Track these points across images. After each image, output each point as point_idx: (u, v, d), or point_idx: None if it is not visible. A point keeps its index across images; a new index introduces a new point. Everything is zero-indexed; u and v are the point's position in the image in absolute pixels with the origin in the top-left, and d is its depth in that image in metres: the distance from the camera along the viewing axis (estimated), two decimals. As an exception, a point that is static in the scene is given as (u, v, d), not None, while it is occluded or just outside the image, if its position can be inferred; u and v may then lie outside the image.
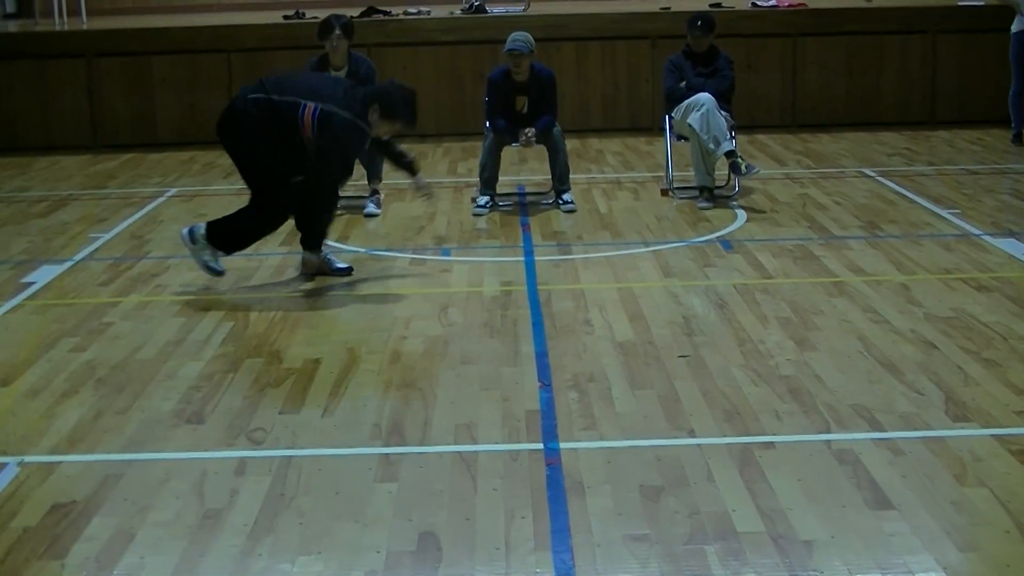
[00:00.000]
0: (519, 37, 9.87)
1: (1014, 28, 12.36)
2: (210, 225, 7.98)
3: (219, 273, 7.96)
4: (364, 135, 7.61)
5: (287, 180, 7.76)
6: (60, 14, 15.97)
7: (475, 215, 9.82)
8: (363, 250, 8.84)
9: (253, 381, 6.17)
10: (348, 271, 8.13)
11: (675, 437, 5.34)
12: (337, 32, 9.87)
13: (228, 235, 7.98)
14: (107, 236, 9.47)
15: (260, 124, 7.64)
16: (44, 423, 5.68)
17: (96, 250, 9.06)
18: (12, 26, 16.00)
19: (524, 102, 9.98)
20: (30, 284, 8.14)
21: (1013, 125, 12.56)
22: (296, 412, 5.74)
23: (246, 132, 7.71)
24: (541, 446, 5.27)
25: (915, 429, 5.36)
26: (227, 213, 8.16)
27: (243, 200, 10.60)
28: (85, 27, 15.19)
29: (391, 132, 7.73)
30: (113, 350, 6.71)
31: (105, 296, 7.82)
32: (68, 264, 8.65)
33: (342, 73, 10.00)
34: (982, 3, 13.73)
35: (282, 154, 7.64)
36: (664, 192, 10.43)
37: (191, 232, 7.94)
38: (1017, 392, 5.76)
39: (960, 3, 14.46)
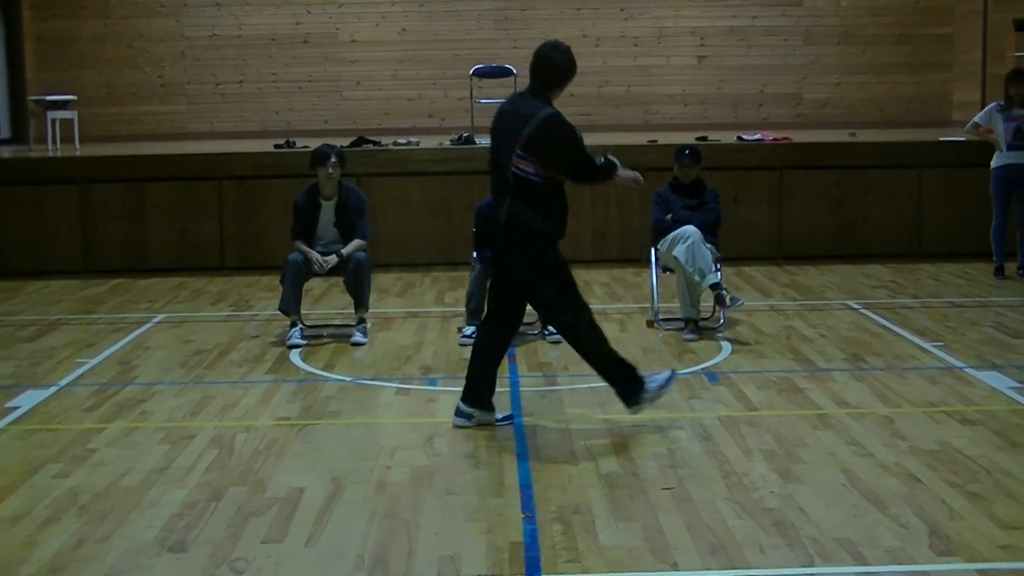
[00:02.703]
0: None
1: (994, 163, 12.59)
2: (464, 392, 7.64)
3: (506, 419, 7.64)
4: (562, 119, 7.25)
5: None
6: (54, 140, 16.17)
7: (461, 345, 9.85)
8: (349, 379, 8.85)
9: (237, 510, 6.14)
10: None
11: (659, 570, 5.31)
12: (333, 160, 10.03)
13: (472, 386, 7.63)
14: (93, 361, 9.48)
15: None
16: (24, 551, 5.63)
17: (82, 375, 9.06)
18: (6, 152, 16.16)
19: (512, 233, 10.06)
20: (14, 409, 8.13)
21: (995, 258, 12.69)
22: (279, 542, 5.71)
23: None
24: (525, 579, 5.25)
25: (900, 563, 5.35)
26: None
27: (229, 326, 10.70)
28: (78, 154, 15.36)
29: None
30: (97, 477, 6.68)
31: (90, 422, 7.81)
32: (53, 389, 8.65)
33: (332, 203, 10.12)
34: (964, 139, 13.94)
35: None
36: (650, 324, 10.49)
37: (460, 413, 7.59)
38: (1002, 526, 5.75)
39: (942, 139, 14.69)
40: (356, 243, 10.11)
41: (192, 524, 5.94)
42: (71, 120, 16.55)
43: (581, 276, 13.05)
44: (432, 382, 8.76)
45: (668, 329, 10.27)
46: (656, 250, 10.46)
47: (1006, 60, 16.10)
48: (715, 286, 9.88)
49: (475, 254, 10.12)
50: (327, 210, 10.14)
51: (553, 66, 7.32)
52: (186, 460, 6.96)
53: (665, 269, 10.44)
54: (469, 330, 9.95)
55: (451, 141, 14.91)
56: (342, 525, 5.91)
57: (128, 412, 8.04)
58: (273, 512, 6.09)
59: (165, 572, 5.39)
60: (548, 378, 8.83)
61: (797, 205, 14.16)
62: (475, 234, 10.17)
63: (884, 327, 10.31)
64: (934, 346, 9.53)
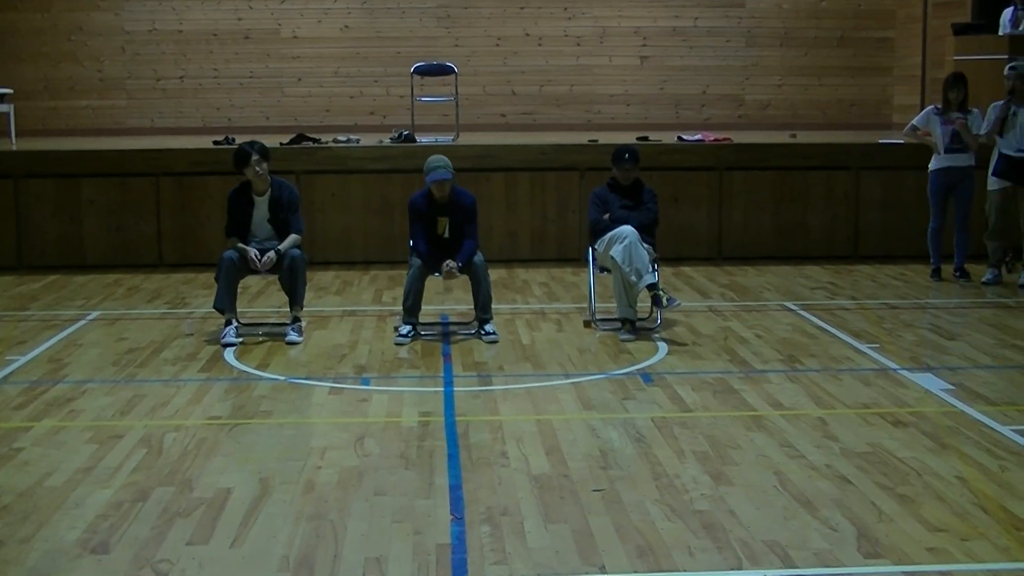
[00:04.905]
0: (439, 164, 9.92)
1: (931, 166, 12.65)
2: None
3: None
4: None
5: None
6: (-11, 135, 15.96)
7: (397, 344, 9.79)
8: (283, 378, 8.76)
9: (162, 511, 6.06)
10: None
11: (586, 573, 5.28)
12: (255, 157, 9.92)
13: None
14: (24, 359, 9.34)
15: None
16: (-57, 552, 5.55)
17: (11, 373, 8.93)
18: (-60, 146, 15.93)
19: (445, 224, 10.02)
20: (-59, 408, 8.02)
21: (932, 260, 12.77)
22: (204, 543, 5.64)
23: None
24: (451, 581, 5.21)
25: (827, 566, 5.35)
26: None
27: (164, 324, 10.58)
28: (14, 148, 15.15)
29: None
30: (21, 477, 6.58)
31: (17, 421, 7.70)
32: (-18, 388, 8.54)
33: (264, 198, 10.02)
34: (902, 141, 14.01)
35: None
36: (587, 324, 10.47)
37: None
38: (930, 528, 5.77)
39: (881, 141, 14.76)
40: (292, 238, 10.01)
41: (116, 525, 5.86)
42: (7, 114, 16.31)
43: (519, 275, 13.10)
44: (365, 382, 8.70)
45: (605, 329, 10.25)
46: (594, 250, 10.44)
47: (945, 64, 16.17)
48: (652, 287, 9.87)
49: (411, 243, 10.05)
50: (260, 206, 10.03)
51: None
52: (113, 460, 6.87)
53: (602, 269, 10.41)
54: (405, 329, 9.89)
55: (391, 139, 14.81)
56: (268, 526, 5.84)
57: (56, 411, 7.93)
58: (199, 513, 6.02)
59: (87, 574, 5.31)
60: (482, 378, 8.78)
61: (737, 206, 14.18)
62: (411, 224, 10.10)
63: (821, 328, 10.34)
64: (869, 348, 9.57)
